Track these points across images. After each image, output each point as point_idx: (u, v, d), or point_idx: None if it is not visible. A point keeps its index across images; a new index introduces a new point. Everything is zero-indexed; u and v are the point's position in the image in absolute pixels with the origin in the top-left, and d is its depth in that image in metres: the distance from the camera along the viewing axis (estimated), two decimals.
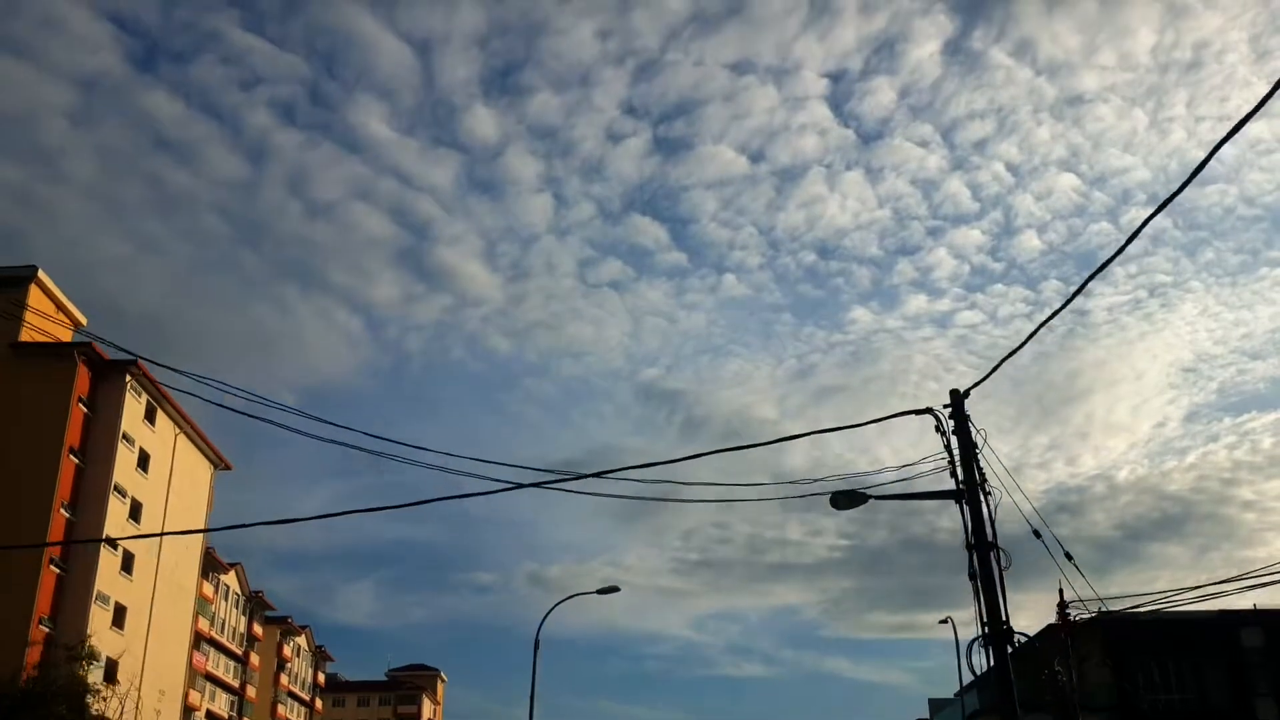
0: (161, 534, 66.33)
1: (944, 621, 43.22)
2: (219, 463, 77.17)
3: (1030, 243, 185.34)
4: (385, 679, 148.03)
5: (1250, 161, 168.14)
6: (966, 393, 15.64)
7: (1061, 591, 33.71)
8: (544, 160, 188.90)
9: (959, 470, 15.26)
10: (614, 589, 33.93)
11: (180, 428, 70.87)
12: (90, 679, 50.58)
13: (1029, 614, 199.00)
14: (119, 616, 62.30)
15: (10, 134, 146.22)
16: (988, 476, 15.47)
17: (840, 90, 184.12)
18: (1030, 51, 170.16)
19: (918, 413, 15.55)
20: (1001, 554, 15.29)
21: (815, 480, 17.49)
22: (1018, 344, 14.60)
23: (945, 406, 15.52)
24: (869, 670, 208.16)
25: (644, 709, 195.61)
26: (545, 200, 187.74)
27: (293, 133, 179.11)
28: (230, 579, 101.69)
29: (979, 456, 15.47)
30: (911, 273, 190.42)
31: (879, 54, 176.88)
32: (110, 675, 60.92)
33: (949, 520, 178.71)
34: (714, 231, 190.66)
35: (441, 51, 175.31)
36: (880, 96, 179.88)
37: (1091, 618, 53.34)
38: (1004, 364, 15.17)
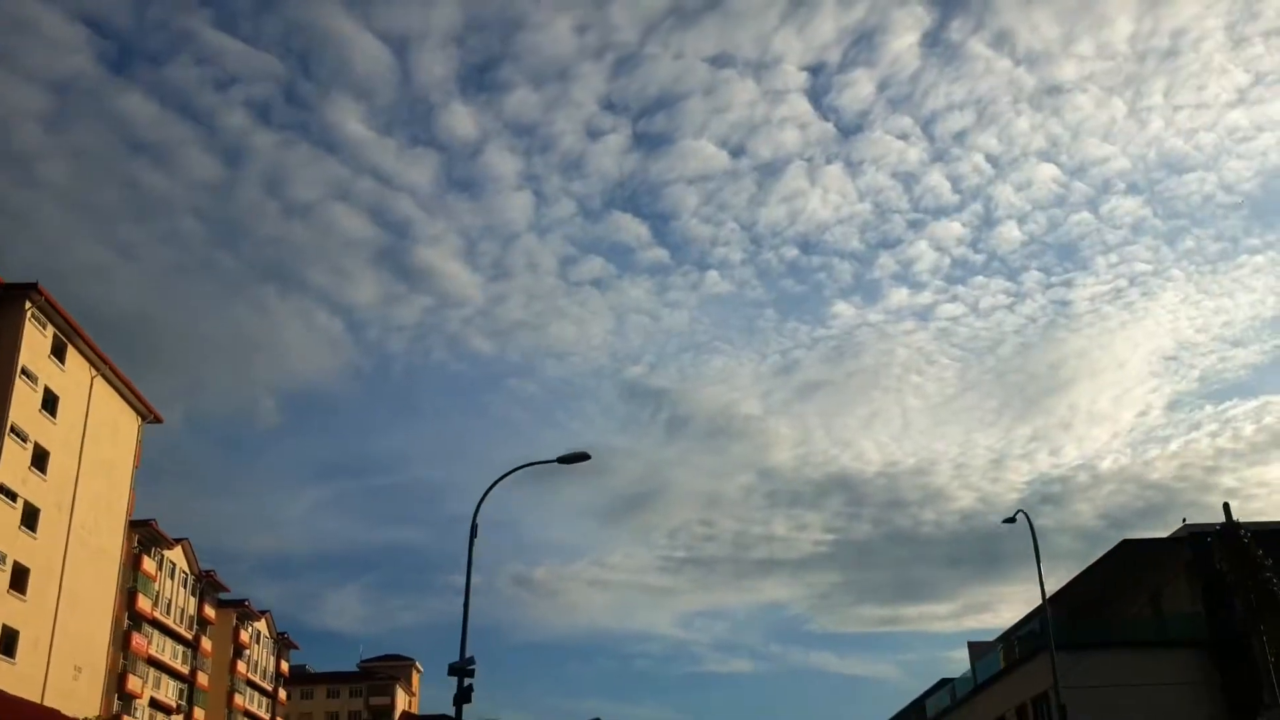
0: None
1: (1011, 520, 35.31)
2: (147, 414, 68.40)
3: (1011, 234, 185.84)
4: (357, 670, 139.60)
5: (1229, 149, 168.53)
6: None
7: None
8: (523, 157, 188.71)
9: None
10: (583, 456, 26.03)
11: (97, 369, 62.09)
12: None
13: (1013, 606, 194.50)
14: (19, 579, 53.58)
15: None
16: None
17: (820, 83, 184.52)
18: (1009, 42, 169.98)
19: None
20: None
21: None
22: None
23: None
24: (855, 664, 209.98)
25: (633, 708, 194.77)
26: (525, 198, 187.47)
27: (269, 133, 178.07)
28: (176, 555, 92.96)
29: None
30: (893, 266, 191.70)
31: (857, 46, 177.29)
32: (9, 646, 52.41)
33: (932, 513, 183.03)
34: (695, 228, 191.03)
35: (418, 49, 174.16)
36: (859, 89, 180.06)
37: (1174, 535, 45.77)
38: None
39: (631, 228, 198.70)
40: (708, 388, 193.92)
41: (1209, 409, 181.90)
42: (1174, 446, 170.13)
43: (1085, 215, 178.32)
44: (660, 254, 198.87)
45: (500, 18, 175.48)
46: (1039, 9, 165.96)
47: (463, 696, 22.84)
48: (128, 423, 66.71)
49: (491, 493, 23.75)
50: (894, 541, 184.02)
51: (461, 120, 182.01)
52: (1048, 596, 38.51)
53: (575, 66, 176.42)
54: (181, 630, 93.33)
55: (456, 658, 23.12)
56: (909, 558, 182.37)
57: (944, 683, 69.40)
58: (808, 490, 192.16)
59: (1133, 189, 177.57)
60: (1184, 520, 43.20)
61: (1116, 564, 43.82)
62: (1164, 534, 44.95)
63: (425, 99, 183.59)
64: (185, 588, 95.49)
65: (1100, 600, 46.08)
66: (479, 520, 25.53)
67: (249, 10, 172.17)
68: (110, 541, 64.03)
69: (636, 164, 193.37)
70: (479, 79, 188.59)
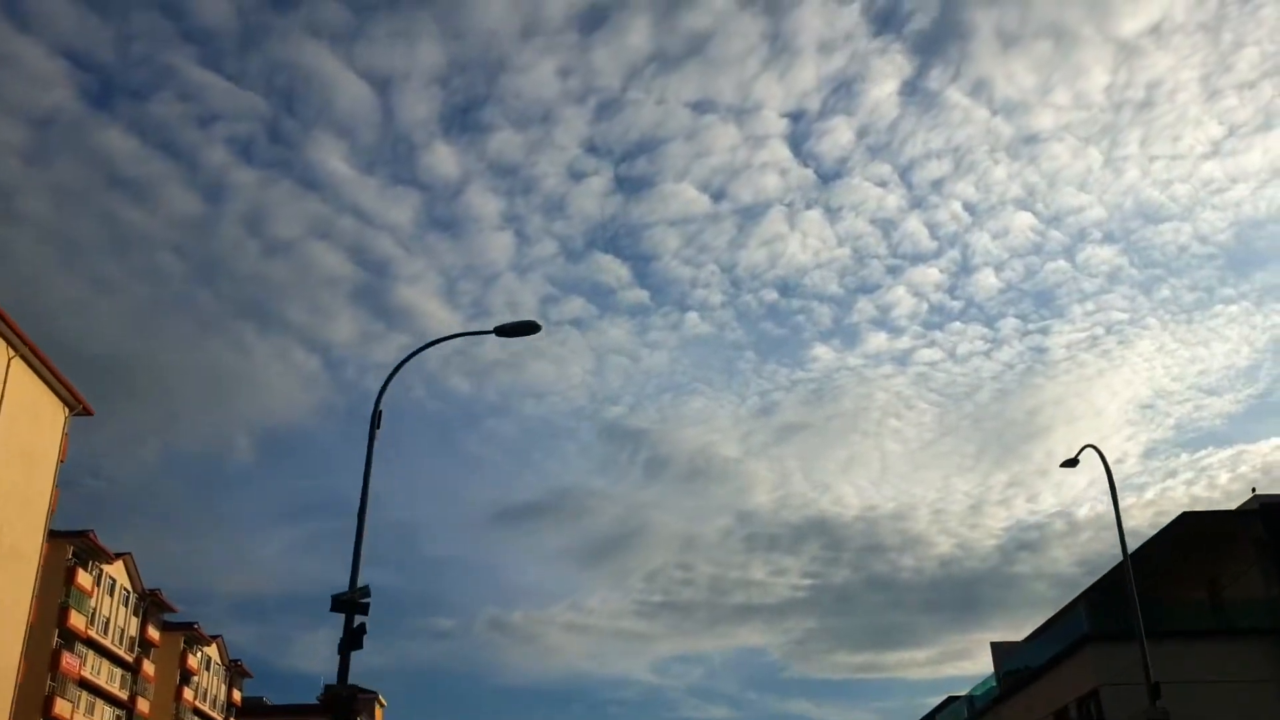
0: None
1: (1072, 463, 29.49)
2: (74, 404, 61.82)
3: (988, 281, 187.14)
4: (316, 702, 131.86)
5: (1203, 200, 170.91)
6: None
7: None
8: (505, 198, 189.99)
9: None
10: (530, 327, 20.26)
11: (15, 349, 55.61)
12: None
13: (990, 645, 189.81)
14: None
15: None
16: None
17: (800, 130, 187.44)
18: (986, 91, 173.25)
19: None
20: None
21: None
22: None
23: None
24: (832, 712, 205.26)
25: None
26: (506, 238, 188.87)
27: (251, 170, 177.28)
28: (117, 570, 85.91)
29: None
30: (871, 311, 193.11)
31: (837, 94, 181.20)
32: None
33: (911, 558, 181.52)
34: (676, 269, 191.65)
35: (401, 89, 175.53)
36: (839, 136, 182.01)
37: (1244, 506, 40.05)
38: None
39: (612, 268, 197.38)
40: (687, 429, 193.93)
41: (1184, 457, 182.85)
42: (1150, 494, 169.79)
43: (1062, 263, 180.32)
44: (641, 295, 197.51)
45: (484, 60, 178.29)
46: (1016, 59, 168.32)
47: (352, 641, 16.78)
48: (52, 412, 60.12)
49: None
50: (872, 587, 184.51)
51: (443, 160, 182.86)
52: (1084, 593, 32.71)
53: (558, 109, 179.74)
54: (121, 652, 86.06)
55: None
56: (887, 603, 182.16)
57: (951, 700, 63.45)
58: (786, 534, 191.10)
59: (1109, 238, 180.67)
60: (1253, 490, 37.60)
61: (1173, 542, 38.07)
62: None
63: (408, 138, 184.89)
64: (126, 606, 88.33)
65: (1154, 585, 40.11)
66: (384, 407, 20.06)
67: (233, 48, 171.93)
68: (27, 541, 57.22)
69: (618, 206, 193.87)
70: (462, 120, 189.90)
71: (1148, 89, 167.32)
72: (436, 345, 21.80)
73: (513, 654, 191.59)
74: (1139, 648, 28.58)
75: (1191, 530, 37.80)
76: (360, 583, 17.13)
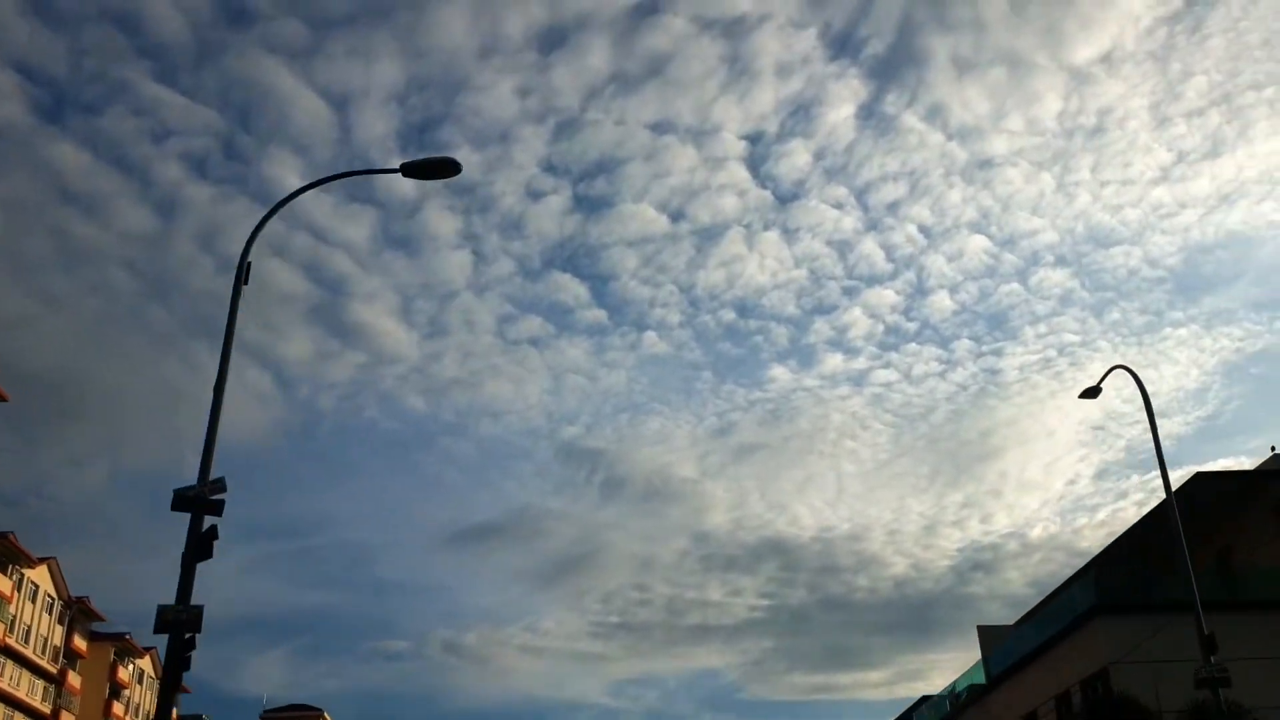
0: None
1: (1094, 392, 25.66)
2: None
3: (943, 303, 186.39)
4: None
5: (1153, 225, 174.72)
6: None
7: None
8: (463, 216, 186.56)
9: None
10: (447, 167, 16.60)
11: None
12: None
13: (945, 674, 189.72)
14: None
15: None
16: None
17: (758, 152, 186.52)
18: (941, 116, 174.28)
19: None
20: None
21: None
22: None
23: None
24: None
25: None
26: (464, 256, 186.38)
27: (205, 186, 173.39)
28: (40, 575, 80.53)
29: None
30: (828, 332, 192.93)
31: (795, 117, 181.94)
32: None
33: (866, 579, 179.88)
34: (634, 289, 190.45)
35: (359, 106, 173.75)
36: (796, 159, 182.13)
37: (1260, 467, 36.42)
38: None
39: (571, 288, 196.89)
40: (644, 449, 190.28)
41: (1135, 478, 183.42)
42: (1101, 515, 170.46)
43: (1015, 286, 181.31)
44: (599, 314, 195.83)
45: (443, 79, 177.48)
46: (971, 85, 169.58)
47: (199, 548, 12.62)
48: None
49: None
50: (827, 608, 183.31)
51: (401, 178, 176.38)
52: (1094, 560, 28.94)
53: (517, 129, 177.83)
54: (43, 662, 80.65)
55: None
56: (843, 624, 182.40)
57: (925, 700, 59.81)
58: (742, 555, 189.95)
59: (1061, 261, 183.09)
60: (1273, 449, 34.19)
61: (1184, 506, 34.43)
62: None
63: (365, 156, 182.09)
64: (50, 614, 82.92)
65: (1165, 554, 36.34)
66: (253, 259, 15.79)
67: (189, 63, 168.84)
68: None
69: (577, 225, 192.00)
70: (419, 138, 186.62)
71: (1099, 116, 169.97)
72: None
73: (467, 676, 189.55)
74: (1154, 621, 24.87)
75: (1204, 494, 34.24)
76: (214, 474, 13.03)
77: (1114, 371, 25.65)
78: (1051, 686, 36.60)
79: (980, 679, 44.09)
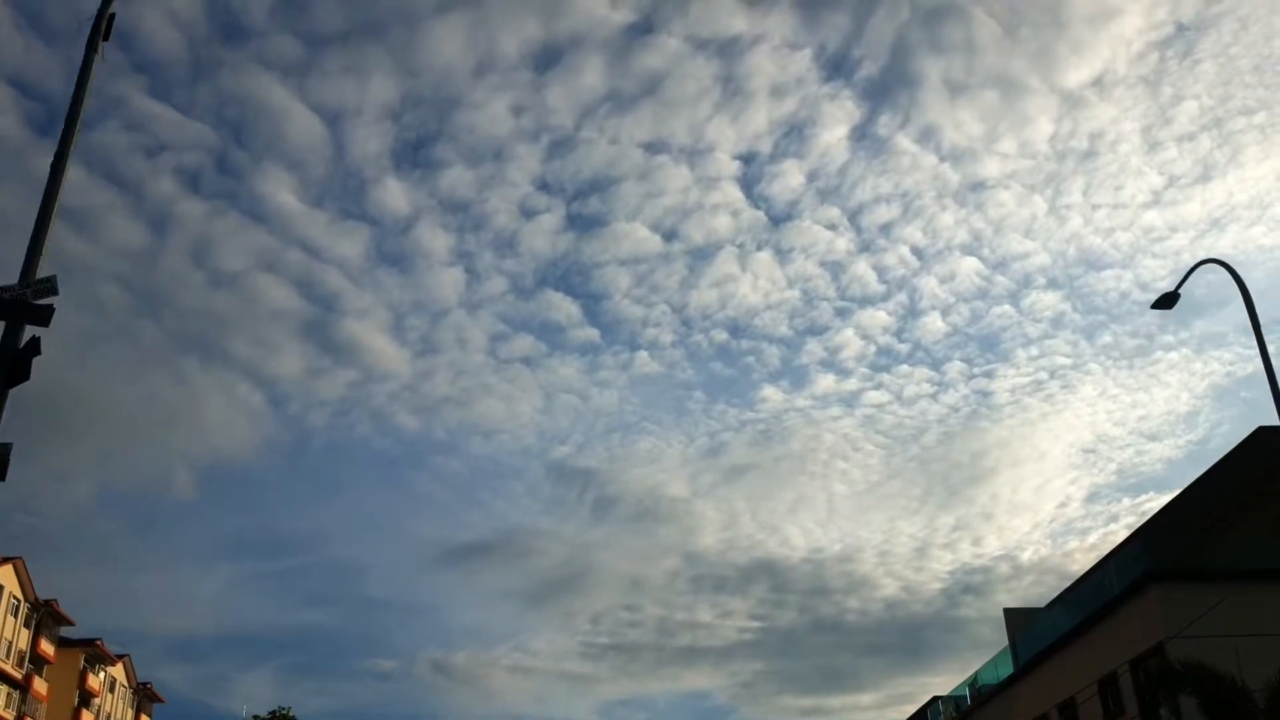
0: None
1: (1171, 298, 22.00)
2: None
3: (935, 324, 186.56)
4: None
5: (1144, 248, 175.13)
6: None
7: None
8: (455, 234, 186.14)
9: None
10: None
11: None
12: None
13: (936, 691, 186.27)
14: None
15: None
16: None
17: (751, 172, 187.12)
18: (934, 138, 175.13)
19: None
20: None
21: None
22: None
23: None
24: None
25: None
26: (456, 274, 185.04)
27: (198, 202, 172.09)
28: (5, 576, 76.58)
29: None
30: (820, 352, 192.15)
31: (788, 138, 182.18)
32: None
33: (857, 601, 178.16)
34: (627, 308, 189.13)
35: (353, 123, 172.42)
36: (790, 179, 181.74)
37: None
38: None
39: (563, 306, 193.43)
40: (635, 469, 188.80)
41: (1126, 502, 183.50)
42: (1092, 539, 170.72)
43: (1007, 308, 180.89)
44: (591, 333, 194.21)
45: (437, 96, 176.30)
46: (963, 108, 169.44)
47: (17, 364, 9.05)
48: None
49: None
50: (818, 629, 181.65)
51: (394, 195, 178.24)
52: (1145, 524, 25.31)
53: (511, 147, 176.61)
54: (8, 668, 76.62)
55: None
56: (833, 646, 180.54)
57: (934, 701, 56.10)
58: (733, 576, 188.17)
59: (1052, 284, 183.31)
60: None
61: (1249, 464, 30.84)
62: None
63: (358, 173, 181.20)
64: (16, 617, 78.91)
65: (1223, 519, 32.59)
66: None
67: (183, 79, 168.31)
68: None
69: (569, 244, 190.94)
70: (413, 155, 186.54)
71: (1091, 139, 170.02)
72: None
73: (456, 696, 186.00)
74: (1217, 590, 21.17)
75: (1269, 450, 30.58)
76: (42, 273, 9.46)
77: (1204, 265, 21.98)
78: (1093, 669, 32.85)
79: (1008, 668, 40.31)
